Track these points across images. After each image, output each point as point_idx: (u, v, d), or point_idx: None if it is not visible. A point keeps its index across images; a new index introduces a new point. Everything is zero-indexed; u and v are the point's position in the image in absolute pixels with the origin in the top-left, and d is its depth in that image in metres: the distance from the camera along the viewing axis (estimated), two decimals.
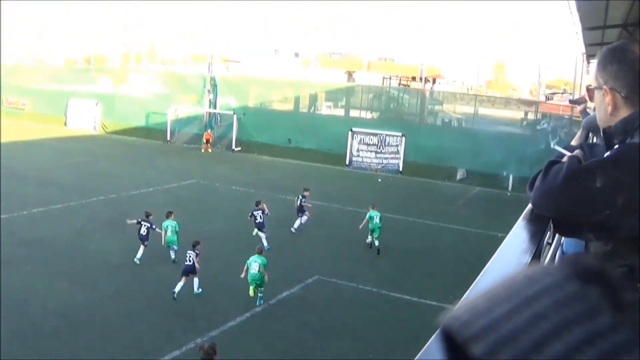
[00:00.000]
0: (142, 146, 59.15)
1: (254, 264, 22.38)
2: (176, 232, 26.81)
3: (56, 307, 21.46)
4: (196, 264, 22.84)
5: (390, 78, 71.12)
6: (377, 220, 29.08)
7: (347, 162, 52.85)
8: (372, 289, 24.21)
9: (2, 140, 54.38)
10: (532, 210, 3.47)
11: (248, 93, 64.51)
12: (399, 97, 61.89)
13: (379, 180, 47.92)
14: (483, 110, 57.30)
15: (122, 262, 25.98)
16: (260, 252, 22.73)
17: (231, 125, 59.72)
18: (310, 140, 54.54)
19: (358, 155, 53.34)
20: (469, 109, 57.62)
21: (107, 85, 74.85)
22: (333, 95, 63.45)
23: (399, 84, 68.78)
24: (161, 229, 26.68)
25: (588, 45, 33.81)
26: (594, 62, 3.28)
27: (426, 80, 61.78)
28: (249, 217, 29.02)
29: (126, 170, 47.19)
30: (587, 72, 51.95)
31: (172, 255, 26.36)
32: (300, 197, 32.23)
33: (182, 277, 22.68)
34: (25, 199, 35.58)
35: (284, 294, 23.31)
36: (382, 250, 28.53)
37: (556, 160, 3.07)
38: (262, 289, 22.04)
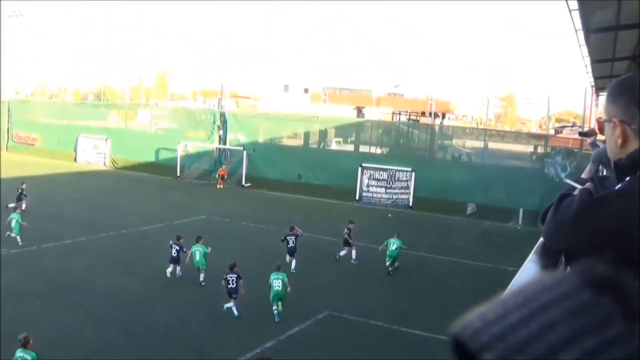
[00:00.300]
0: (152, 182, 59.33)
1: (276, 280, 23.87)
2: (204, 256, 28.93)
3: (65, 342, 21.52)
4: (240, 288, 24.17)
5: (399, 113, 71.41)
6: (393, 247, 30.87)
7: (357, 198, 52.79)
8: (383, 324, 24.19)
9: (11, 175, 54.69)
10: (544, 244, 3.40)
11: (258, 129, 64.78)
12: (409, 132, 62.02)
13: (389, 215, 47.85)
14: (493, 145, 57.32)
15: (132, 298, 25.95)
16: (279, 269, 23.47)
17: (241, 161, 59.79)
18: (320, 175, 54.74)
19: (368, 191, 53.36)
20: (479, 144, 57.72)
21: (116, 121, 75.34)
22: (343, 131, 63.67)
23: (409, 119, 69.06)
24: (189, 251, 29.15)
25: (597, 77, 33.90)
26: (604, 95, 3.27)
27: (436, 115, 61.85)
28: (281, 243, 30.56)
29: (136, 205, 47.36)
30: (596, 105, 52.03)
31: (201, 278, 28.33)
32: (346, 229, 33.47)
33: (230, 298, 24.12)
34: (36, 234, 35.45)
35: (294, 329, 23.29)
36: (393, 285, 28.78)
37: (568, 194, 3.04)
38: (281, 302, 23.10)
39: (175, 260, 29.08)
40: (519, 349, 1.07)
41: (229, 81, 69.14)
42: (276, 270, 23.49)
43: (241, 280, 23.88)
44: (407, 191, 51.80)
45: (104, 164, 70.47)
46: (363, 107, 65.87)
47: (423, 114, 65.12)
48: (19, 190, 43.03)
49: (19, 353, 19.59)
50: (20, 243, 33.53)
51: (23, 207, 38.69)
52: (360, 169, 53.73)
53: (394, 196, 52.36)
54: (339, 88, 79.39)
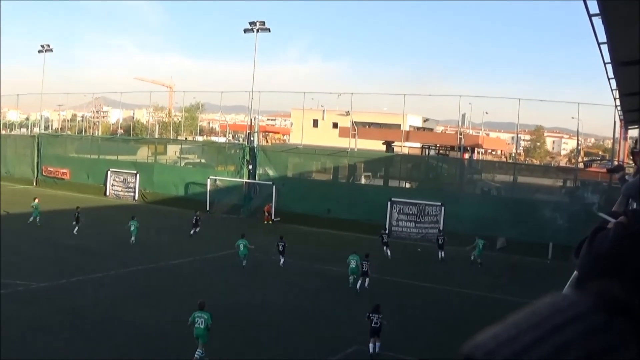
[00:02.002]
0: (181, 216, 59.16)
1: (352, 260, 33.20)
2: (246, 247, 39.23)
3: None
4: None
5: (429, 147, 71.61)
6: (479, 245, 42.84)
7: (387, 232, 51.49)
8: (413, 359, 24.31)
9: (42, 209, 55.48)
10: (578, 278, 3.69)
11: (287, 163, 65.29)
12: (438, 166, 62.14)
13: (419, 249, 47.79)
14: (522, 179, 57.24)
15: (159, 332, 26.19)
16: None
17: (270, 195, 60.05)
18: (350, 210, 54.82)
19: (398, 225, 53.45)
20: (508, 177, 57.69)
21: (146, 155, 76.31)
22: (372, 165, 63.81)
23: (438, 153, 69.13)
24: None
25: (626, 111, 33.97)
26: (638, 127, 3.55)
27: (465, 149, 62.02)
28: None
29: (166, 240, 47.71)
30: (625, 138, 52.02)
31: (244, 263, 38.59)
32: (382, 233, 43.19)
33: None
34: (65, 268, 36.21)
35: None
36: (421, 320, 29.11)
37: (602, 227, 3.37)
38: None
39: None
40: None
41: (258, 116, 69.63)
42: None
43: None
44: (436, 225, 51.66)
45: (134, 198, 71.11)
46: (392, 142, 66.07)
47: (452, 148, 65.27)
48: (76, 214, 49.06)
49: (197, 313, 22.77)
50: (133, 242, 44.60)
51: (76, 230, 47.78)
52: (389, 203, 53.82)
53: (424, 230, 52.36)
54: (368, 123, 79.74)
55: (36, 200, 53.46)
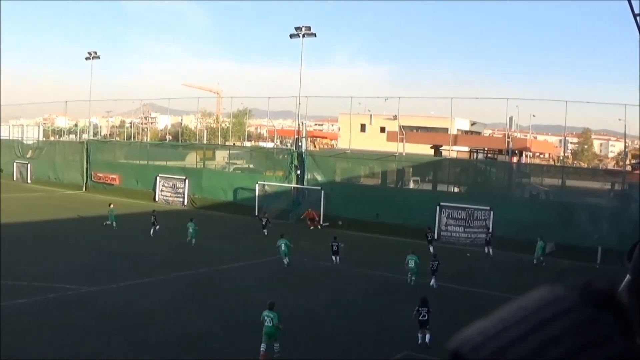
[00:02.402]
0: (230, 221, 60.67)
1: (411, 260, 36.82)
2: (287, 246, 41.77)
3: None
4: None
5: (477, 151, 71.76)
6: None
7: (436, 237, 52.50)
8: None
9: (91, 215, 56.88)
10: (631, 282, 2.85)
11: (335, 168, 65.69)
12: (486, 170, 62.47)
13: (468, 254, 47.85)
14: (570, 182, 56.87)
15: (208, 337, 26.60)
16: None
17: (319, 200, 60.55)
18: (398, 215, 54.70)
19: (447, 230, 53.77)
20: (556, 181, 57.53)
21: (194, 161, 77.76)
22: (420, 170, 63.78)
23: (486, 157, 69.32)
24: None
25: None
26: None
27: (513, 153, 62.13)
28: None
29: (215, 245, 48.37)
30: None
31: (285, 262, 41.43)
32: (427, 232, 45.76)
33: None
34: (115, 273, 37.11)
35: None
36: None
37: None
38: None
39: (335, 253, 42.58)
40: None
41: (306, 121, 70.29)
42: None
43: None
44: (485, 230, 51.70)
45: (183, 204, 72.39)
46: (440, 146, 66.21)
47: (500, 151, 65.39)
48: (152, 218, 52.84)
49: (266, 312, 23.95)
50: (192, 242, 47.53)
51: (153, 231, 51.58)
52: (438, 208, 54.09)
53: (473, 235, 52.45)
54: (416, 127, 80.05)
55: (111, 206, 56.64)
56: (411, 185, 63.50)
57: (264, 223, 54.37)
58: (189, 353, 24.75)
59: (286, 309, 28.57)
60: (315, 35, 68.11)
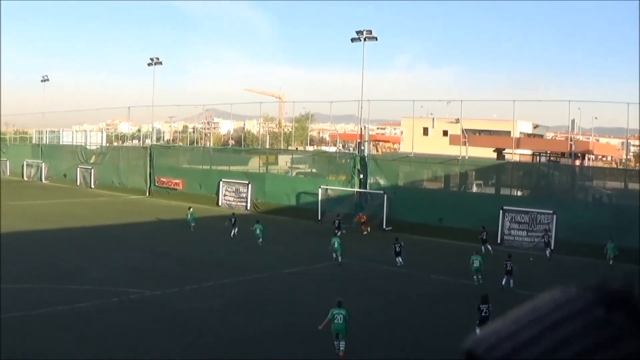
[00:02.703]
0: (293, 225, 61.50)
1: (475, 260, 38.81)
2: (340, 245, 44.40)
3: None
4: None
5: (539, 154, 71.77)
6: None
7: (499, 241, 52.75)
8: None
9: (154, 219, 58.23)
10: None
11: (398, 172, 66.19)
12: (549, 173, 62.06)
13: (531, 259, 47.15)
14: (632, 185, 55.75)
15: (268, 341, 27.06)
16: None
17: (382, 204, 60.87)
18: (461, 219, 54.58)
19: (510, 234, 53.65)
20: (619, 184, 57.31)
21: (257, 165, 79.01)
22: (483, 173, 64.15)
23: (548, 160, 69.32)
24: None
25: None
26: None
27: (575, 156, 61.99)
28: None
29: (277, 249, 49.09)
30: None
31: (340, 259, 43.86)
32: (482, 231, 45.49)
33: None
34: (178, 277, 38.13)
35: None
36: None
37: None
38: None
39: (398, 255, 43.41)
40: None
41: (368, 125, 70.85)
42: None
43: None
44: (548, 234, 51.20)
45: (246, 208, 73.36)
46: (503, 149, 66.16)
47: (563, 154, 65.31)
48: (232, 220, 54.86)
49: (336, 310, 24.87)
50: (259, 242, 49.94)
51: (233, 233, 53.45)
52: (501, 211, 54.02)
53: (536, 239, 52.11)
54: (478, 130, 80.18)
55: (191, 209, 59.13)
56: (474, 189, 63.61)
57: (337, 225, 55.30)
58: (250, 357, 25.33)
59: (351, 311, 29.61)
60: (376, 39, 68.77)
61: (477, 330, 26.52)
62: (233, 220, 54.37)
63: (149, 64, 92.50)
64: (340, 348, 25.09)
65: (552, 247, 49.56)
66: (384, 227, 59.80)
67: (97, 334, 26.98)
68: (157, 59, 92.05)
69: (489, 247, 48.94)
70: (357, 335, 26.47)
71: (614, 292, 1.19)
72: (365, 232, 59.04)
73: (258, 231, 50.58)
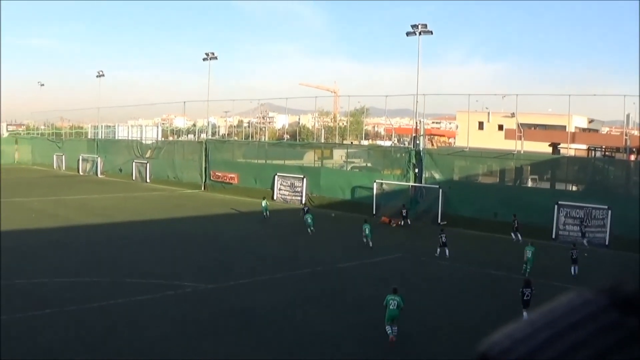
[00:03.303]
0: (348, 220, 61.86)
1: (529, 251, 40.26)
2: (371, 230, 48.45)
3: None
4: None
5: (594, 149, 72.09)
6: None
7: (553, 236, 53.17)
8: None
9: (211, 213, 59.80)
10: None
11: (453, 166, 66.82)
12: (604, 168, 61.55)
13: (585, 254, 46.30)
14: None
15: (327, 334, 27.73)
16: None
17: (437, 199, 61.53)
18: (516, 213, 54.37)
19: (564, 229, 53.75)
20: None
21: (312, 160, 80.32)
22: (538, 168, 64.02)
23: (604, 155, 69.47)
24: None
25: None
26: None
27: (631, 151, 62.11)
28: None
29: (333, 244, 50.29)
30: None
31: (371, 244, 47.13)
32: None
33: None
34: (233, 270, 39.49)
35: None
36: None
37: None
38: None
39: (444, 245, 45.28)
40: None
41: (423, 119, 71.42)
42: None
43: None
44: (603, 229, 52.13)
45: (301, 202, 74.14)
46: (558, 143, 66.26)
47: (618, 149, 65.49)
48: (305, 210, 59.16)
49: (390, 297, 26.63)
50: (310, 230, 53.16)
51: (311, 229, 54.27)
52: (556, 206, 54.26)
53: (590, 235, 52.41)
54: (533, 124, 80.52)
55: (265, 200, 64.37)
56: (529, 184, 63.51)
57: (404, 214, 59.49)
58: (307, 350, 25.95)
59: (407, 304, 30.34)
60: (431, 32, 69.62)
61: (524, 313, 28.19)
62: (306, 209, 57.44)
63: (204, 59, 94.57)
64: (393, 332, 26.56)
65: (587, 237, 51.47)
66: (439, 221, 59.89)
67: (153, 326, 28.10)
68: (212, 53, 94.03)
69: (519, 235, 50.64)
70: (415, 328, 27.79)
71: (628, 295, 1.21)
72: (395, 225, 60.34)
73: (310, 220, 53.59)
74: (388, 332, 26.52)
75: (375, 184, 67.20)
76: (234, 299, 33.05)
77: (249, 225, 57.43)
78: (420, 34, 68.99)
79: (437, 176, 65.38)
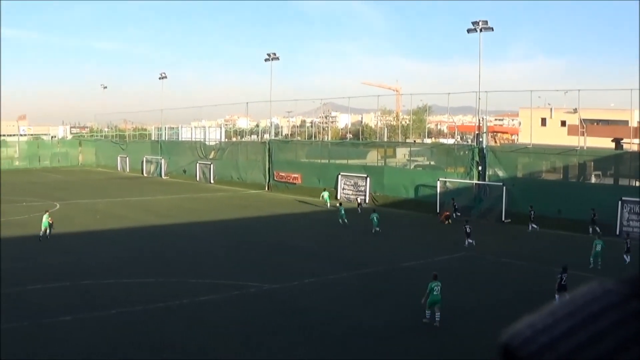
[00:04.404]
0: (411, 218, 63.41)
1: (598, 245, 41.79)
2: (378, 219, 53.78)
3: None
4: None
5: None
6: None
7: (617, 232, 52.69)
8: None
9: (275, 213, 61.75)
10: None
11: (516, 163, 67.13)
12: None
13: None
14: None
15: (385, 333, 27.88)
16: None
17: (500, 196, 61.99)
18: (580, 210, 54.85)
19: (628, 225, 53.47)
20: None
21: (375, 159, 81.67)
22: (601, 164, 64.03)
23: None
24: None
25: None
26: None
27: None
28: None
29: (396, 242, 50.99)
30: None
31: (377, 230, 51.04)
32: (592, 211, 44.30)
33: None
34: (297, 270, 40.05)
35: None
36: None
37: None
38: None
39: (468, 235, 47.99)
40: (568, 358, 1.16)
41: (486, 116, 71.82)
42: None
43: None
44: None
45: (365, 201, 74.89)
46: (621, 139, 66.13)
47: None
48: (359, 204, 63.93)
49: (433, 283, 28.59)
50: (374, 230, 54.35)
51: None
52: (620, 202, 54.33)
53: None
54: (596, 120, 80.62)
55: (341, 205, 63.68)
56: (592, 180, 64.18)
57: (455, 207, 62.25)
58: (370, 349, 26.26)
59: (466, 305, 31.64)
60: (492, 29, 70.24)
61: (556, 295, 29.71)
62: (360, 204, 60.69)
63: (266, 60, 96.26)
64: (436, 318, 28.56)
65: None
66: (503, 219, 60.84)
67: (220, 326, 28.94)
68: (274, 54, 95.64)
69: (597, 228, 50.58)
70: (455, 329, 28.48)
71: None
72: (446, 223, 60.75)
73: (375, 220, 55.00)
74: (426, 317, 28.72)
75: (438, 182, 67.88)
76: (298, 298, 33.93)
77: (313, 225, 58.71)
78: (481, 30, 69.78)
79: (500, 173, 65.87)
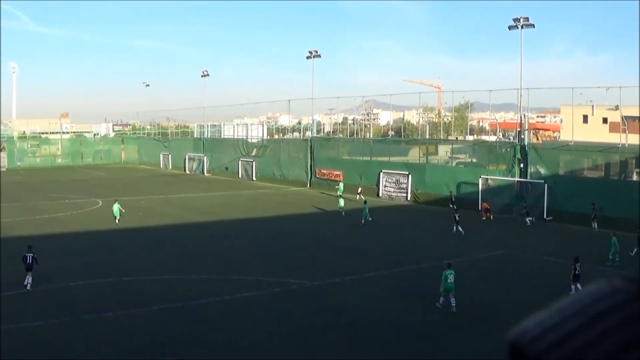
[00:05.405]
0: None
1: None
2: (369, 210, 56.48)
3: None
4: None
5: None
6: None
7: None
8: None
9: (317, 210, 63.31)
10: None
11: (558, 161, 67.13)
12: None
13: None
14: None
15: (424, 332, 28.45)
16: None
17: (542, 194, 61.99)
18: (622, 208, 54.59)
19: None
20: None
21: (417, 156, 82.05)
22: None
23: None
24: None
25: None
26: None
27: None
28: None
29: (436, 240, 51.47)
30: None
31: (364, 220, 54.17)
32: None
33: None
34: (338, 267, 40.46)
35: None
36: None
37: None
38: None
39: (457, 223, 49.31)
40: (575, 357, 1.17)
41: (528, 113, 71.95)
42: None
43: None
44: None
45: (406, 199, 76.48)
46: None
47: None
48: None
49: (447, 271, 30.99)
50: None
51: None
52: None
53: None
54: (638, 117, 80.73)
55: (366, 203, 62.77)
56: (634, 177, 63.33)
57: (452, 200, 64.38)
58: (409, 349, 26.59)
59: (504, 303, 31.86)
60: (533, 26, 71.04)
61: (572, 286, 31.47)
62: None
63: (308, 57, 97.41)
64: (452, 304, 30.53)
65: None
66: (545, 217, 60.84)
67: (263, 322, 29.44)
68: (316, 51, 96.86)
69: (595, 225, 53.11)
70: (491, 329, 27.84)
71: None
72: (484, 219, 61.63)
73: (367, 211, 58.65)
74: (440, 302, 31.03)
75: (480, 179, 68.12)
76: (339, 296, 34.41)
77: (354, 222, 58.89)
78: (522, 27, 70.41)
79: (542, 171, 66.00)
